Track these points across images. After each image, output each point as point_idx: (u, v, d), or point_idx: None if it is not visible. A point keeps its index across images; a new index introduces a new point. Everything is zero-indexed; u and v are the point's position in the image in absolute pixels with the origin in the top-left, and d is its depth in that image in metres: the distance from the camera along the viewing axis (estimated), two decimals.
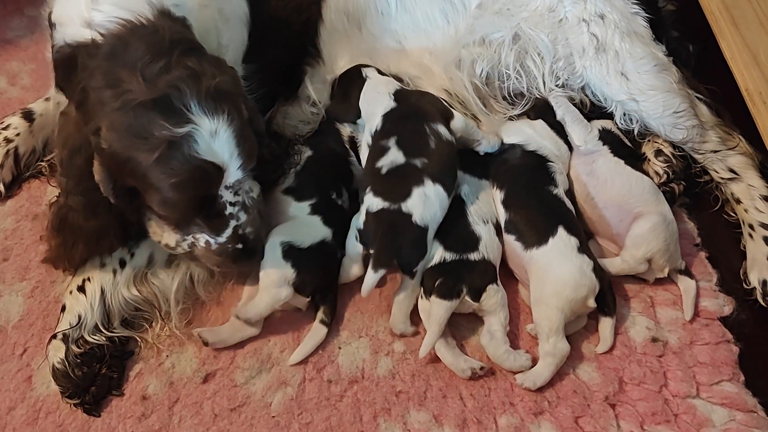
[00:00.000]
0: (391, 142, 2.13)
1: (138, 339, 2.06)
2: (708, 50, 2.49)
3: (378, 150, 2.14)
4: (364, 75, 2.34)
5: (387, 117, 2.20)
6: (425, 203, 2.03)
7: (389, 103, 2.23)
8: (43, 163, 2.45)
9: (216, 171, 1.73)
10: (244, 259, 1.94)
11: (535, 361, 1.98)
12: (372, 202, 2.05)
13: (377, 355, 2.04)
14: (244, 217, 1.88)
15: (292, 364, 2.01)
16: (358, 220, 2.07)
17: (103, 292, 2.02)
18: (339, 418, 1.93)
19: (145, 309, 2.07)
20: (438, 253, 2.04)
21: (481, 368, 1.96)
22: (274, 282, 1.99)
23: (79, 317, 2.00)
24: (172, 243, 1.93)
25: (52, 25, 1.92)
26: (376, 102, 2.25)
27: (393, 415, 1.93)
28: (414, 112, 2.21)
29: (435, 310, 1.97)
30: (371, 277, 1.98)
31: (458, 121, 2.20)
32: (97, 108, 1.71)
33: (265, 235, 2.01)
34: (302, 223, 2.10)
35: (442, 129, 2.17)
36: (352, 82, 2.35)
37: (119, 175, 1.75)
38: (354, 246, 2.07)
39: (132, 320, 2.07)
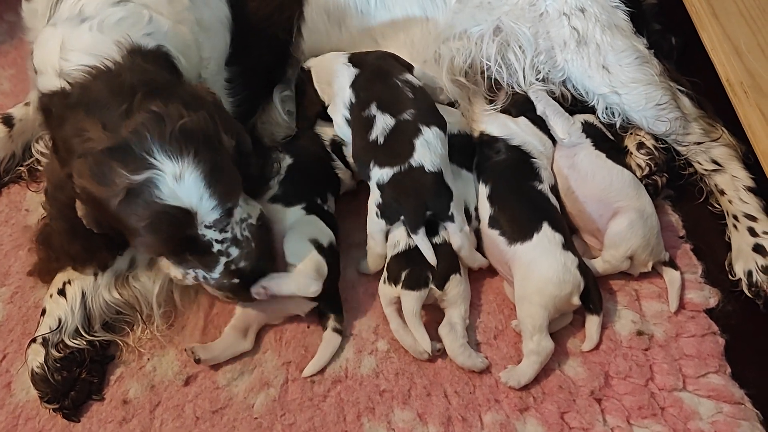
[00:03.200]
0: (374, 109, 2.11)
1: (119, 342, 2.04)
2: (690, 42, 2.47)
3: (364, 122, 2.12)
4: (306, 68, 2.33)
5: (355, 85, 2.18)
6: (429, 148, 2.04)
7: (351, 71, 2.21)
8: (22, 168, 2.44)
9: (184, 215, 1.69)
10: (244, 293, 1.90)
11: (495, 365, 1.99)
12: (380, 174, 2.05)
13: (360, 354, 2.02)
14: (235, 252, 1.83)
15: (307, 376, 1.98)
16: (374, 198, 2.06)
17: (83, 295, 1.99)
18: (322, 418, 1.91)
19: (126, 312, 2.05)
20: (402, 240, 2.02)
21: (438, 350, 1.97)
22: (241, 322, 2.01)
23: (59, 321, 1.97)
24: (179, 276, 1.91)
25: (36, 71, 1.91)
26: (336, 76, 2.23)
27: (377, 414, 1.92)
28: (378, 71, 2.20)
29: (406, 303, 1.97)
30: (421, 239, 1.97)
31: (418, 70, 2.26)
32: (67, 155, 1.71)
33: (269, 259, 1.97)
34: (311, 222, 2.09)
35: (410, 77, 2.19)
36: (301, 81, 2.34)
37: (99, 215, 1.74)
38: (376, 224, 2.06)
39: (113, 324, 2.05)
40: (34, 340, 1.97)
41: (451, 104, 2.37)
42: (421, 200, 2.00)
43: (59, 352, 1.95)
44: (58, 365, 1.94)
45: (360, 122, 2.14)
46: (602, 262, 2.09)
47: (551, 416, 1.89)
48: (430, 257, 1.97)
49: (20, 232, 2.30)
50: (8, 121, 2.44)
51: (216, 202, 1.71)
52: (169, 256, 1.86)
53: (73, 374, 1.95)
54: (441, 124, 2.11)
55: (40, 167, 2.43)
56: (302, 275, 1.95)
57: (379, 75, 2.19)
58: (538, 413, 1.90)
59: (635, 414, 1.89)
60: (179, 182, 1.65)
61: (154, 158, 1.63)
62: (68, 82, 1.78)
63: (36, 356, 1.95)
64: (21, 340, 2.05)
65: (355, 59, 2.25)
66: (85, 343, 1.98)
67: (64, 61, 1.80)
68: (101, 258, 1.97)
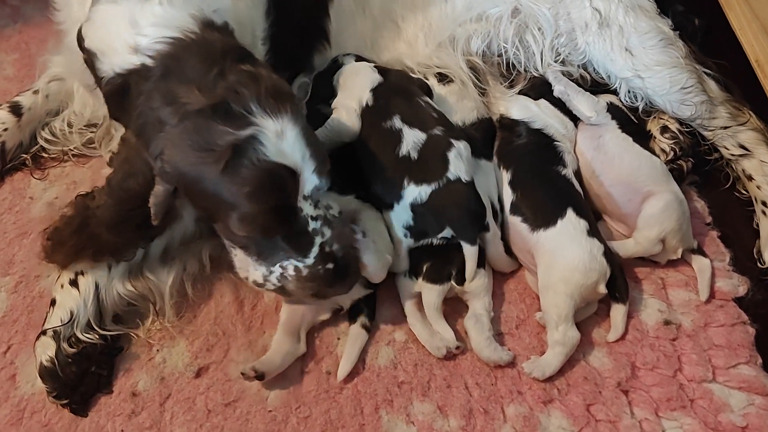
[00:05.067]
0: (398, 123, 2.05)
1: (132, 334, 1.98)
2: (714, 23, 2.41)
3: (390, 137, 2.04)
4: (340, 61, 2.30)
5: (377, 92, 2.13)
6: (462, 159, 1.99)
7: (374, 77, 2.16)
8: (26, 156, 2.39)
9: (290, 175, 1.62)
10: (339, 281, 1.78)
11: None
12: (417, 192, 1.96)
13: (378, 345, 1.97)
14: (328, 232, 1.74)
15: (342, 380, 1.90)
16: (403, 217, 1.96)
17: (97, 287, 1.93)
18: (339, 411, 1.85)
19: (138, 304, 1.99)
20: None
21: (457, 347, 1.91)
22: (290, 325, 1.93)
23: (72, 314, 1.90)
24: (260, 279, 1.78)
25: (91, 55, 1.81)
26: (359, 76, 2.18)
27: (395, 406, 1.86)
28: (400, 89, 2.15)
29: (427, 297, 1.93)
30: (473, 252, 1.91)
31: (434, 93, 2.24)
32: (156, 129, 1.62)
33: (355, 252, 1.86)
34: (372, 208, 2.04)
35: (429, 101, 2.15)
36: (329, 69, 2.31)
37: (192, 200, 1.69)
38: (403, 242, 1.97)
39: (122, 315, 1.99)
40: (44, 333, 1.90)
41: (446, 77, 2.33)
42: (469, 211, 1.94)
43: (72, 347, 1.88)
44: (70, 360, 1.87)
45: (381, 135, 2.06)
46: (634, 244, 2.03)
47: (576, 408, 1.83)
48: (471, 271, 1.92)
49: (24, 219, 2.25)
50: (17, 110, 2.38)
51: (316, 163, 1.65)
52: (262, 240, 1.72)
53: (83, 368, 1.88)
54: (467, 139, 2.06)
55: (44, 154, 2.41)
56: (381, 254, 1.92)
57: (401, 92, 2.15)
58: (562, 405, 1.84)
59: (664, 406, 1.83)
60: (282, 139, 1.59)
61: (254, 116, 1.58)
62: (149, 56, 1.70)
63: (46, 349, 1.87)
64: (26, 330, 2.00)
65: (380, 68, 2.21)
66: (97, 337, 1.92)
67: (140, 37, 1.72)
68: (128, 252, 1.91)
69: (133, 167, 1.71)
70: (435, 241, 1.94)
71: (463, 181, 1.96)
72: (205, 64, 1.64)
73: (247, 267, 1.79)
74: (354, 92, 2.15)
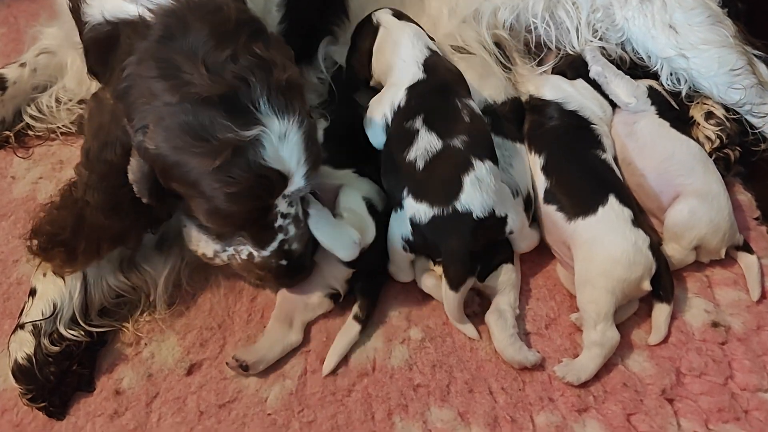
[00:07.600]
0: (418, 123, 1.82)
1: (119, 327, 1.81)
2: (760, 4, 2.25)
3: (404, 136, 1.82)
4: (375, 22, 2.04)
5: (413, 90, 1.89)
6: (481, 188, 1.73)
7: (417, 73, 1.92)
8: (9, 133, 2.26)
9: (281, 179, 1.51)
10: (287, 277, 1.75)
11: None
12: (417, 210, 1.74)
13: (391, 343, 1.79)
14: (293, 230, 1.66)
15: (327, 375, 1.73)
16: (402, 227, 1.76)
17: (85, 277, 1.74)
18: (347, 415, 1.68)
19: (130, 296, 1.82)
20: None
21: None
22: (283, 312, 1.79)
23: (55, 306, 1.72)
24: (209, 253, 1.73)
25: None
26: (398, 67, 1.95)
27: (410, 412, 1.68)
28: (442, 84, 1.91)
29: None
30: (453, 298, 1.73)
31: None
32: (145, 99, 1.44)
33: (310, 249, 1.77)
34: (365, 182, 1.88)
35: (472, 103, 1.89)
36: (363, 34, 2.07)
37: (163, 179, 1.51)
38: (401, 254, 1.79)
39: (110, 309, 1.81)
40: (21, 327, 1.72)
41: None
42: (466, 249, 1.72)
43: (54, 345, 1.70)
44: (50, 359, 1.69)
45: (400, 134, 1.85)
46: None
47: (615, 418, 1.64)
48: (453, 315, 1.77)
49: (5, 200, 2.13)
50: (1, 83, 2.26)
51: (307, 168, 1.54)
52: (231, 231, 1.66)
53: (63, 367, 1.70)
54: (495, 157, 1.82)
55: (29, 132, 2.28)
56: (345, 230, 1.73)
57: (441, 89, 1.90)
58: (599, 414, 1.66)
59: (714, 417, 1.64)
60: (284, 142, 1.47)
61: (261, 113, 1.44)
62: (149, 9, 1.51)
63: (22, 346, 1.69)
64: (0, 320, 1.84)
65: (429, 64, 1.93)
66: (83, 333, 1.74)
67: None
68: (132, 238, 1.73)
69: (110, 136, 1.52)
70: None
71: (475, 217, 1.71)
72: (216, 38, 1.45)
73: (199, 241, 1.74)
74: (388, 90, 1.93)
